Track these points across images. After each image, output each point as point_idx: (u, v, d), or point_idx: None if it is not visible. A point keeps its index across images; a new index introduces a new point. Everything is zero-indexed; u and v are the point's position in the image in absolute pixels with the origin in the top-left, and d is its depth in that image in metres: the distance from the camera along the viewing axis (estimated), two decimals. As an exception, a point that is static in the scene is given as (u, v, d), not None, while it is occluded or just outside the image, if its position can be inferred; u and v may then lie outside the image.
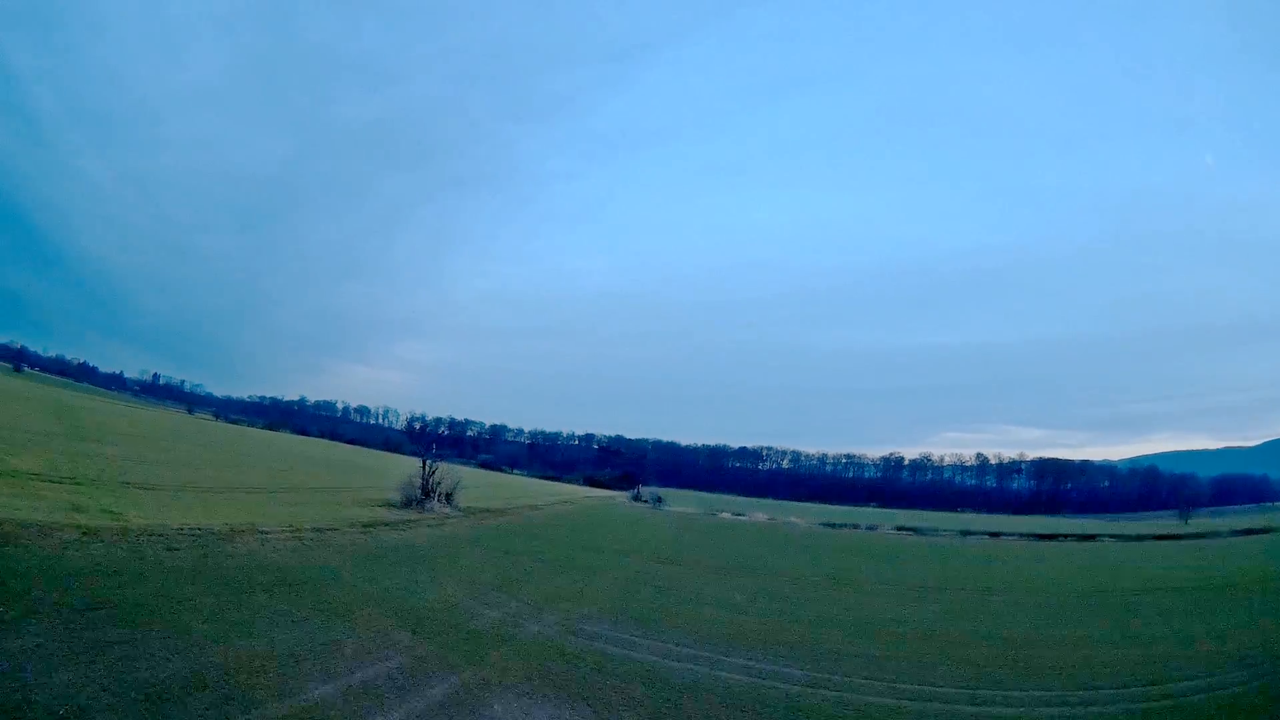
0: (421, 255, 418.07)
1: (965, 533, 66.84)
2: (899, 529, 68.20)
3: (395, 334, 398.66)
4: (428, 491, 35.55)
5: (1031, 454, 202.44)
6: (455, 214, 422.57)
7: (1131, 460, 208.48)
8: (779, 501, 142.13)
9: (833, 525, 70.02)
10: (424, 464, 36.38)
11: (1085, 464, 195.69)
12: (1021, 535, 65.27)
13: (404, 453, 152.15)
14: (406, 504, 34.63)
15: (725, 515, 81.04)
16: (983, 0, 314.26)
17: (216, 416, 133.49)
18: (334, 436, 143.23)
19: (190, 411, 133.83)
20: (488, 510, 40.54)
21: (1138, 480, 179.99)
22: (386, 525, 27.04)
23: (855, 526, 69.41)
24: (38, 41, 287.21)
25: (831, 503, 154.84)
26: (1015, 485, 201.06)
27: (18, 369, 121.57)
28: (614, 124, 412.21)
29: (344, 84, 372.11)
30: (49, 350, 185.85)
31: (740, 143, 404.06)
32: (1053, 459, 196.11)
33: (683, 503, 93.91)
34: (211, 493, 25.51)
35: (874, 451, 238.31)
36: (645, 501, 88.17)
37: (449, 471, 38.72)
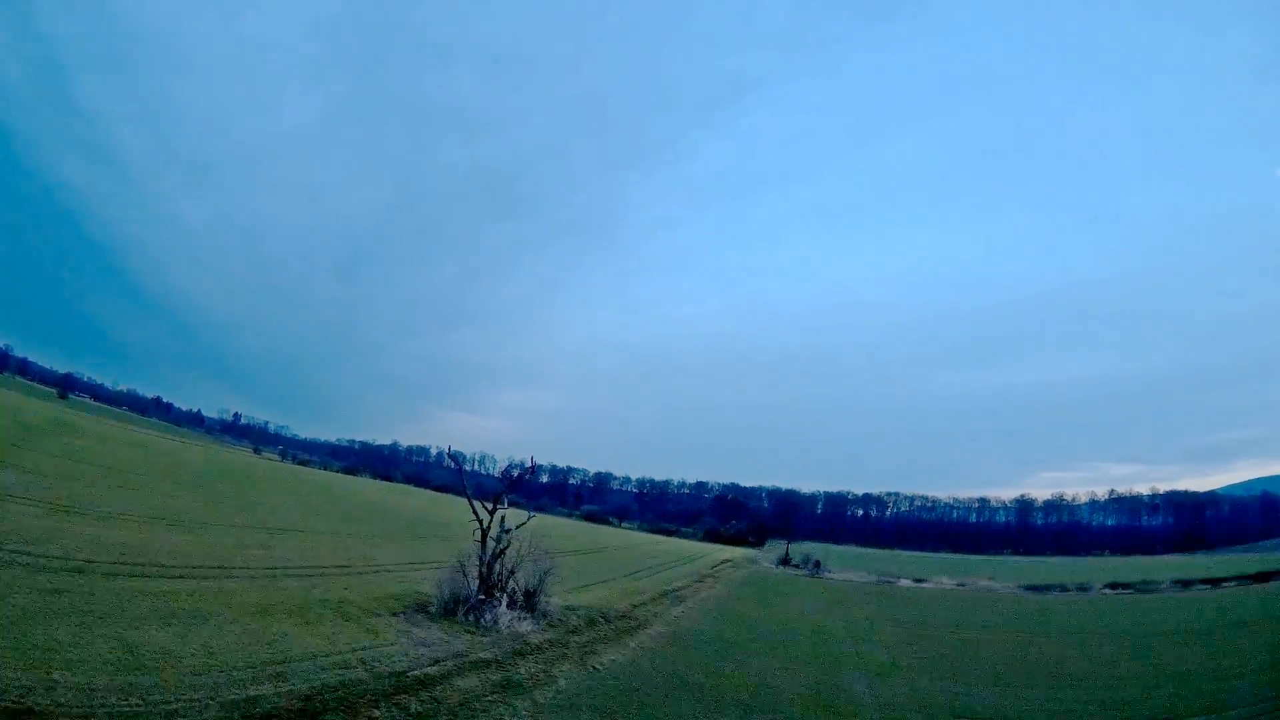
0: (526, 303, 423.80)
1: (1180, 582, 55.32)
2: (1113, 586, 56.41)
3: (498, 382, 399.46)
4: (491, 586, 18.64)
5: (1163, 487, 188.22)
6: (559, 262, 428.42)
7: (1225, 489, 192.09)
8: (924, 554, 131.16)
9: (1039, 589, 57.11)
10: (486, 526, 19.70)
11: (1212, 495, 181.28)
12: (1243, 579, 53.51)
13: (498, 503, 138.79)
14: (449, 610, 17.95)
15: (905, 583, 60.94)
16: (1057, 28, 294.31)
17: (283, 457, 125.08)
18: (420, 482, 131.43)
19: (256, 451, 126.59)
20: (600, 615, 22.88)
21: (1255, 508, 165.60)
22: (359, 696, 10.07)
23: (1064, 589, 57.42)
24: (124, 85, 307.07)
25: (968, 552, 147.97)
26: (1153, 522, 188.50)
27: (63, 395, 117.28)
28: (714, 168, 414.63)
29: (442, 132, 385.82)
30: (123, 384, 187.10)
31: (841, 183, 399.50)
32: (1185, 491, 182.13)
33: (840, 564, 73.10)
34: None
35: (978, 493, 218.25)
36: (797, 566, 68.36)
37: (534, 536, 21.68)
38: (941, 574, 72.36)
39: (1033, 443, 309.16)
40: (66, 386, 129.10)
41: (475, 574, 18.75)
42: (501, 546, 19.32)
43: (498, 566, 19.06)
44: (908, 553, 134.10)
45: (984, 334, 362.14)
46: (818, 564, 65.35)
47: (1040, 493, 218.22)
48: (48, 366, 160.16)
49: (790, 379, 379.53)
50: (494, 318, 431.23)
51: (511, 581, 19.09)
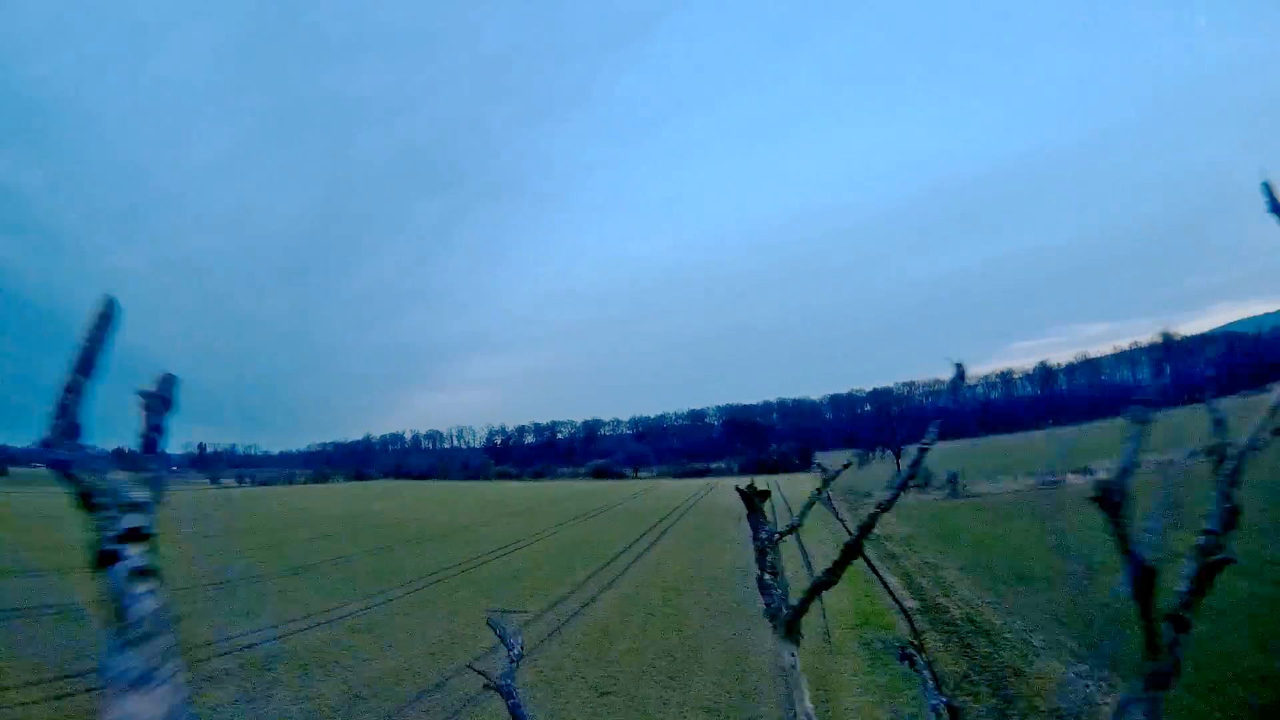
0: (471, 271, 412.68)
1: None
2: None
3: (461, 354, 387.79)
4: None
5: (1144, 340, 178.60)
6: (496, 225, 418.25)
7: (1203, 335, 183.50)
8: (977, 440, 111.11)
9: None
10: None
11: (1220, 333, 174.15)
12: None
13: (488, 476, 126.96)
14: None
15: (1071, 478, 47.09)
16: None
17: (240, 482, 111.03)
18: (400, 474, 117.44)
19: (214, 482, 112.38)
20: None
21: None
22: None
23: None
24: (35, 155, 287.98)
25: (1004, 431, 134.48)
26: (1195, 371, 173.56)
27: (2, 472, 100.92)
28: (632, 106, 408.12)
29: (358, 125, 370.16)
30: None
31: (764, 96, 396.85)
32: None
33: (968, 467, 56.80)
34: None
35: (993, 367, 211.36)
36: (926, 487, 51.45)
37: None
38: (1058, 465, 58.59)
39: (1006, 315, 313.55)
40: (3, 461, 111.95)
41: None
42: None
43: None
44: (963, 442, 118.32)
45: (943, 216, 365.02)
46: (954, 480, 50.21)
47: (1021, 363, 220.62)
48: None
49: (758, 293, 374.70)
50: (442, 294, 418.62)
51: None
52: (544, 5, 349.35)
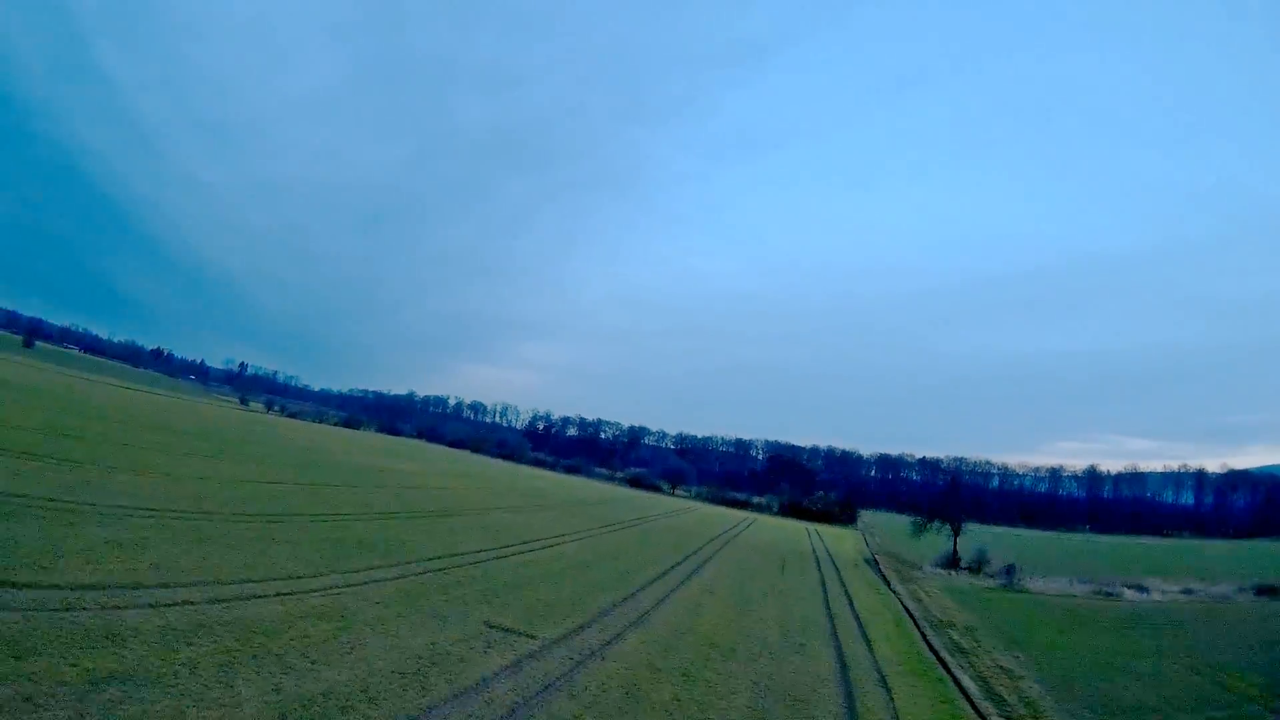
0: (547, 258, 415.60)
1: None
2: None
3: (520, 334, 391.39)
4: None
5: (1191, 464, 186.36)
6: (580, 217, 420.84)
7: (1239, 474, 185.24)
8: (1019, 531, 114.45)
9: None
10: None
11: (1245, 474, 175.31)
12: None
13: (522, 460, 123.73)
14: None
15: (1131, 594, 44.14)
16: None
17: (269, 409, 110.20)
18: (433, 437, 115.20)
19: (243, 403, 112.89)
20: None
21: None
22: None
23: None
24: (141, 51, 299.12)
25: (1043, 527, 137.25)
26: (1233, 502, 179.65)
27: (29, 344, 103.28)
28: (735, 126, 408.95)
29: (462, 90, 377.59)
30: (123, 337, 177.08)
31: (862, 144, 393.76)
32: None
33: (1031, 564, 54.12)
34: None
35: (1025, 460, 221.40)
36: (970, 569, 50.08)
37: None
38: (1114, 571, 54.95)
39: (1051, 411, 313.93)
40: (33, 334, 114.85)
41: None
42: None
43: None
44: (1001, 529, 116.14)
45: (997, 300, 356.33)
46: (1010, 570, 45.94)
47: (1071, 463, 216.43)
48: (30, 315, 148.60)
49: (817, 336, 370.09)
50: (512, 273, 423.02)
51: None
52: (665, 10, 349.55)
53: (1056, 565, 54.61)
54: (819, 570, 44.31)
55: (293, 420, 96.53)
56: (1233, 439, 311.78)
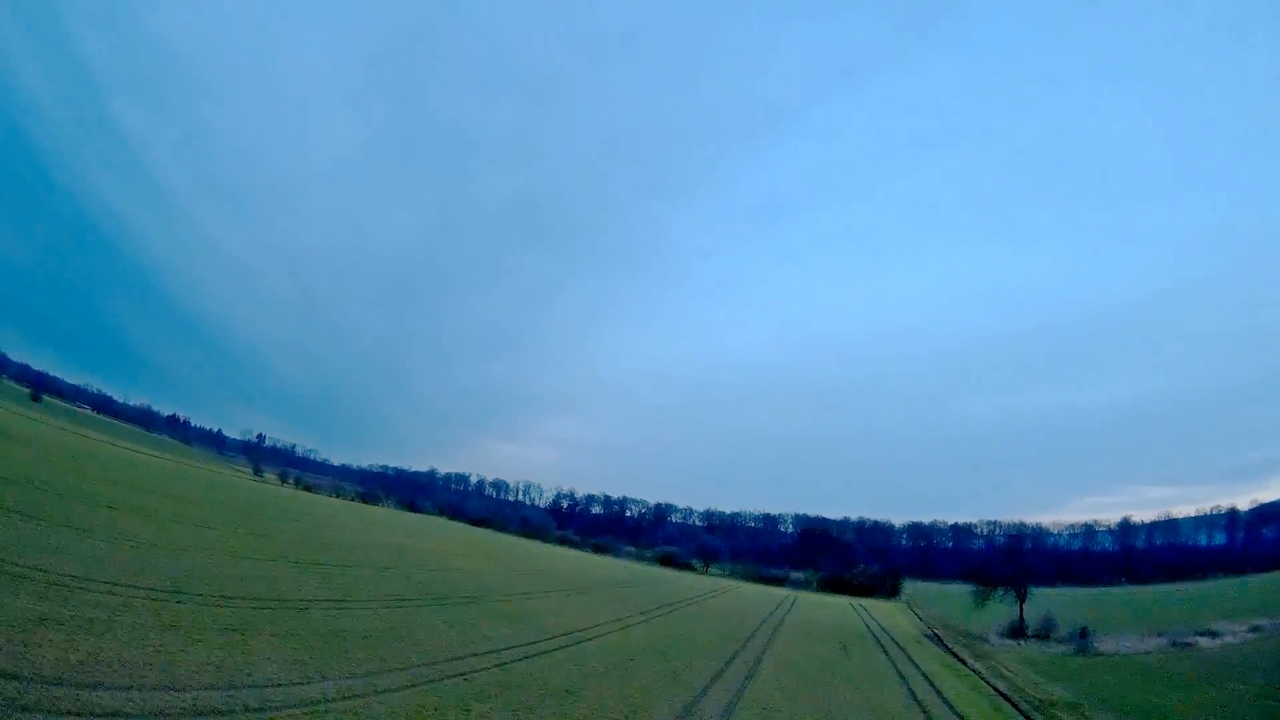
0: (570, 333, 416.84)
1: None
2: None
3: (543, 411, 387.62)
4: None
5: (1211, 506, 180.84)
6: (603, 291, 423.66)
7: (1269, 505, 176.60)
8: (1060, 590, 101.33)
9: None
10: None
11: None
12: None
13: (547, 538, 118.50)
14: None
15: (1205, 641, 39.61)
16: (1088, 42, 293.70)
17: (283, 480, 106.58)
18: (456, 514, 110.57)
19: (257, 473, 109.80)
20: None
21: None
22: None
23: None
24: (159, 109, 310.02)
25: (1078, 584, 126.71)
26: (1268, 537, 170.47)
27: (36, 398, 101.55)
28: (754, 197, 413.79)
29: (482, 160, 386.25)
30: (139, 400, 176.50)
31: (875, 209, 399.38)
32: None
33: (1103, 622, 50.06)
34: None
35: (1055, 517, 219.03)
36: (1038, 636, 45.65)
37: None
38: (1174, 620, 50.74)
39: (1076, 466, 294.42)
40: (43, 388, 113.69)
41: None
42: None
43: None
44: (1049, 590, 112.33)
45: (1014, 358, 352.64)
46: (1084, 633, 41.76)
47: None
48: (41, 369, 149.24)
49: (838, 403, 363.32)
50: (535, 347, 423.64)
51: None
52: (682, 81, 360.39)
53: (1117, 622, 52.60)
54: (884, 652, 39.06)
55: (307, 493, 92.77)
56: (1257, 475, 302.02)
